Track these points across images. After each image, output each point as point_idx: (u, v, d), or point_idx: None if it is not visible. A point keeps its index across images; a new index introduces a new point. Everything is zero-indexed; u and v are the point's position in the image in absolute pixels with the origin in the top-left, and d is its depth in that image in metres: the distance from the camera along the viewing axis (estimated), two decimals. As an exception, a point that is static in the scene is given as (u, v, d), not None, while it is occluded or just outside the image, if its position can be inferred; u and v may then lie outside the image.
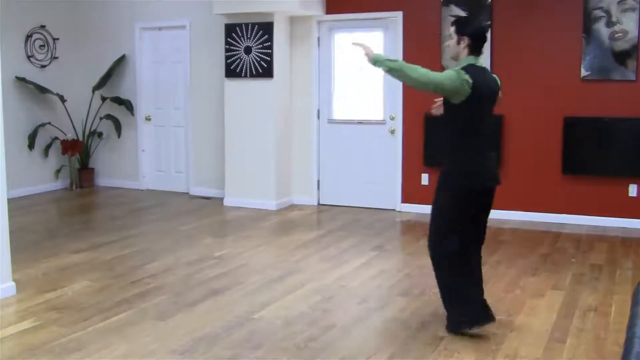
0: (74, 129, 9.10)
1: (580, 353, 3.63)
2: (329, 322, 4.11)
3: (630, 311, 2.64)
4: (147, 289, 4.76)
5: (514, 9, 6.92)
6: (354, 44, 4.05)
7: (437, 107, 4.08)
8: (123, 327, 4.00)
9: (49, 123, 8.80)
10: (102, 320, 4.11)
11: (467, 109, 3.78)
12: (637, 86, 6.57)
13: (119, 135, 9.09)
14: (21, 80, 8.45)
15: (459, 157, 3.87)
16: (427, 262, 5.40)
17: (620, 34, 6.56)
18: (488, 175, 3.90)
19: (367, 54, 3.81)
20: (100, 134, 9.23)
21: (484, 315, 3.89)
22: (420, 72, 3.70)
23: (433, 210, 3.95)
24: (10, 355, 3.61)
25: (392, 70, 3.73)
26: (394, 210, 7.60)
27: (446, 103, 3.86)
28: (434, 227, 3.96)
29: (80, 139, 9.12)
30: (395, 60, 3.79)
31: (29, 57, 8.64)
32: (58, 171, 9.05)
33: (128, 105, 8.94)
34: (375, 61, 3.77)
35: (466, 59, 3.86)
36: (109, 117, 8.99)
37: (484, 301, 3.95)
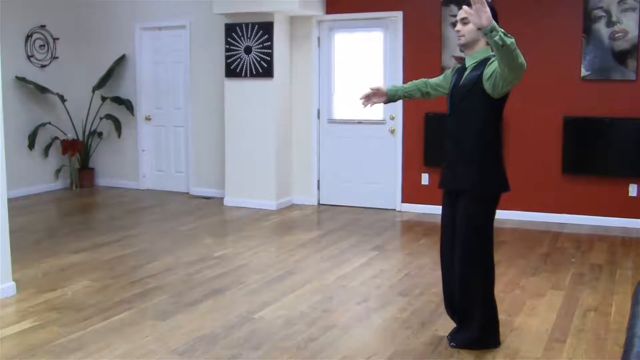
0: (74, 129, 9.10)
1: (580, 353, 3.63)
2: (329, 322, 4.11)
3: (630, 311, 2.64)
4: (147, 289, 4.76)
5: (513, 9, 6.91)
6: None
7: (374, 97, 3.88)
8: (123, 327, 4.00)
9: (49, 123, 8.80)
10: (102, 320, 4.11)
11: (503, 104, 3.47)
12: (637, 86, 6.57)
13: (119, 135, 9.09)
14: (21, 80, 8.45)
15: (491, 157, 3.52)
16: (427, 262, 5.46)
17: (620, 34, 6.56)
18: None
19: (482, 16, 3.06)
20: (100, 134, 9.23)
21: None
22: (522, 57, 3.16)
23: (467, 221, 3.53)
24: (10, 355, 3.61)
25: (504, 47, 3.06)
26: (394, 210, 7.59)
27: (478, 98, 3.42)
28: (473, 243, 3.58)
29: (80, 138, 9.12)
30: (510, 37, 3.09)
31: (29, 57, 8.64)
32: (58, 171, 9.05)
33: (128, 105, 8.94)
34: (493, 29, 3.05)
35: (485, 50, 3.47)
36: (109, 117, 9.00)
37: None
